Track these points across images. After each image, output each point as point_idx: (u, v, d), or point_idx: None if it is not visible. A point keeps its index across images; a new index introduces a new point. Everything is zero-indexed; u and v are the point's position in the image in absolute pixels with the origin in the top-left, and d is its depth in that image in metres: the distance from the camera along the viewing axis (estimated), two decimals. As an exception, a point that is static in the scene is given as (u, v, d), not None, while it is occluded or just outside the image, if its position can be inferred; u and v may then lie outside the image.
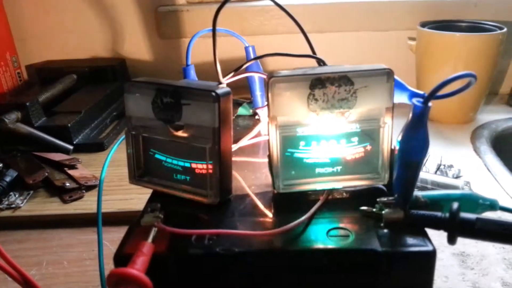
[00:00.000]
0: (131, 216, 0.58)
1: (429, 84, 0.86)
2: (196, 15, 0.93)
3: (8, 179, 0.63)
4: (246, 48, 0.37)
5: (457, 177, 0.67)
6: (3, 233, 0.57)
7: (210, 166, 0.27)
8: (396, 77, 0.28)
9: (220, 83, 0.31)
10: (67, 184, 0.62)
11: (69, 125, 0.74)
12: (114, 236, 0.55)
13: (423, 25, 0.85)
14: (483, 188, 0.63)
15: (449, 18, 0.91)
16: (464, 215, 0.24)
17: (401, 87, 0.28)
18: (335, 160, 0.27)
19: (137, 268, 0.23)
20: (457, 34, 0.80)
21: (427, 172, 0.65)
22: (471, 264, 0.46)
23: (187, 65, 0.34)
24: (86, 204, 0.60)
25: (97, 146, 0.75)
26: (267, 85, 0.26)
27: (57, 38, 0.98)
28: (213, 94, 0.25)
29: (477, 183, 0.63)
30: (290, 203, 0.28)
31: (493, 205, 0.26)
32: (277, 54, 0.34)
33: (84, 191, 0.62)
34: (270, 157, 0.28)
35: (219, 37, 0.35)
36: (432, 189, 0.62)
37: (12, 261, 0.38)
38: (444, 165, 0.69)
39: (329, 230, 0.25)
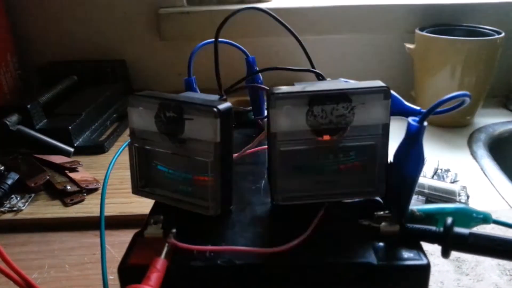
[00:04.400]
0: (132, 219, 0.59)
1: (427, 88, 0.87)
2: (197, 18, 0.93)
3: (9, 181, 0.63)
4: (247, 59, 0.37)
5: (454, 181, 0.67)
6: (5, 236, 0.58)
7: (211, 179, 0.28)
8: (393, 92, 0.29)
9: (222, 96, 0.31)
10: (68, 188, 0.63)
11: (69, 127, 0.75)
12: (115, 240, 0.56)
13: (422, 29, 0.86)
14: (479, 193, 0.63)
15: (448, 22, 0.92)
16: (458, 230, 0.25)
17: (398, 102, 0.29)
18: (333, 172, 0.28)
19: (152, 285, 0.23)
20: (456, 38, 0.81)
21: (424, 177, 0.66)
22: (466, 270, 0.47)
23: (189, 77, 0.35)
24: (87, 208, 0.61)
25: (98, 149, 0.76)
26: (267, 102, 0.27)
27: (58, 39, 0.99)
28: (215, 110, 0.26)
29: (474, 187, 0.64)
30: (289, 214, 0.29)
31: (486, 219, 0.27)
32: (277, 68, 0.35)
33: (85, 194, 0.63)
34: (269, 170, 0.29)
35: (221, 45, 0.35)
36: (429, 194, 0.63)
37: (15, 266, 0.38)
38: (441, 169, 0.70)
39: (329, 243, 0.26)
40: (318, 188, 0.28)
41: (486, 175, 0.69)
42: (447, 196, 0.62)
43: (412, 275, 0.25)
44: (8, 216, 0.59)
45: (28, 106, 0.74)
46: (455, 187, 0.65)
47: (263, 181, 0.33)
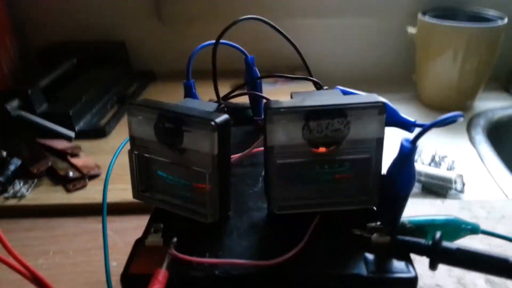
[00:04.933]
0: (133, 206, 0.60)
1: (428, 72, 0.87)
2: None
3: (12, 167, 0.64)
4: (246, 59, 0.37)
5: (450, 169, 0.68)
6: (11, 221, 0.59)
7: (209, 188, 0.28)
8: (388, 103, 0.30)
9: (220, 104, 0.32)
10: (71, 174, 0.64)
11: (70, 112, 0.75)
12: (117, 226, 0.57)
13: (424, 13, 0.85)
14: (476, 181, 0.64)
15: (451, 5, 0.90)
16: (446, 244, 0.26)
17: (394, 113, 0.29)
18: (328, 182, 0.29)
19: None
20: (458, 24, 0.80)
21: (421, 164, 0.67)
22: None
23: (188, 80, 0.35)
24: (89, 194, 0.62)
25: (99, 133, 0.77)
26: (264, 116, 0.27)
27: (58, 21, 0.98)
28: (212, 123, 0.26)
29: (470, 175, 0.65)
30: (285, 221, 0.29)
31: (474, 229, 0.28)
32: (275, 75, 0.35)
33: (87, 180, 0.64)
34: (266, 179, 0.29)
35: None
36: (425, 181, 0.64)
37: (19, 257, 0.40)
38: (439, 156, 0.71)
39: (322, 253, 0.27)
40: (313, 197, 0.29)
41: (483, 162, 0.70)
42: (443, 184, 0.63)
43: (400, 286, 0.26)
44: (12, 202, 0.60)
45: (29, 91, 0.74)
46: (451, 175, 0.66)
47: (260, 184, 0.33)
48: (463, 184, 0.63)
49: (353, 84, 1.02)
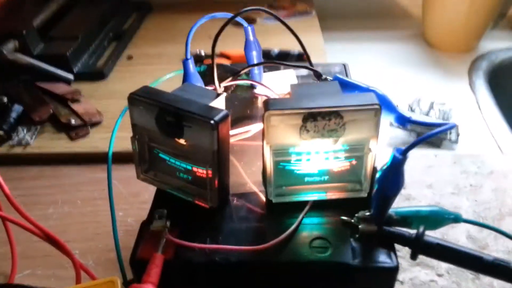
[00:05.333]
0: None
1: (436, 8, 0.83)
2: None
3: (14, 114, 0.65)
4: (245, 29, 0.36)
5: (448, 118, 0.69)
6: (18, 169, 0.61)
7: (209, 178, 0.30)
8: (386, 96, 0.30)
9: (218, 94, 0.32)
10: (73, 121, 0.65)
11: (67, 54, 0.74)
12: (121, 175, 0.58)
13: None
14: (471, 132, 0.65)
15: None
16: (428, 238, 0.28)
17: (390, 108, 0.30)
18: (322, 172, 0.30)
19: (152, 281, 0.27)
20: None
21: (420, 114, 0.68)
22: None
23: (186, 59, 0.35)
24: (92, 142, 0.63)
25: (98, 75, 0.76)
26: (262, 117, 0.28)
27: None
28: (212, 122, 0.27)
29: (466, 125, 0.66)
30: (281, 206, 0.31)
31: (456, 219, 0.29)
32: (275, 63, 0.34)
33: (89, 127, 0.65)
34: (264, 170, 0.31)
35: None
36: (421, 131, 0.65)
37: (31, 218, 0.42)
38: (437, 104, 0.71)
39: (312, 240, 0.29)
40: (309, 186, 0.31)
41: (481, 111, 0.70)
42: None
43: (382, 274, 0.28)
44: (18, 150, 0.62)
45: (24, 32, 0.72)
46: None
47: (258, 163, 0.35)
48: (458, 135, 0.65)
49: (357, 19, 0.99)
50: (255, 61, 0.39)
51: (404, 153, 0.25)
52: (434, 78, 0.79)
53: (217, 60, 0.77)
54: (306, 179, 0.30)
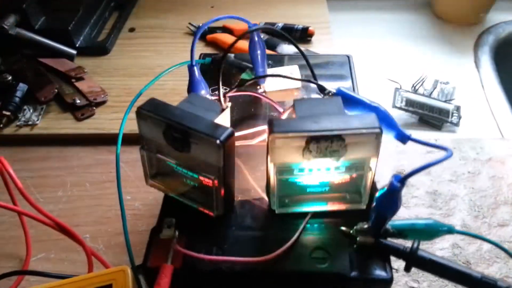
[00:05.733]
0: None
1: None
2: None
3: (19, 94, 0.65)
4: (250, 29, 0.36)
5: (450, 98, 0.69)
6: (25, 149, 0.62)
7: (215, 190, 0.31)
8: (388, 112, 0.30)
9: (223, 109, 0.32)
10: (78, 101, 0.65)
11: (69, 28, 0.74)
12: (128, 157, 0.60)
13: None
14: (473, 115, 0.66)
15: None
16: (422, 253, 0.29)
17: (391, 125, 0.30)
18: (324, 183, 0.31)
19: None
20: None
21: (422, 95, 0.68)
22: (440, 204, 0.53)
23: (192, 65, 0.35)
24: (98, 123, 0.64)
25: (100, 50, 0.76)
26: (267, 140, 0.28)
27: None
28: (218, 142, 0.28)
29: (468, 105, 0.66)
30: (284, 215, 0.33)
31: (450, 230, 0.31)
32: (280, 76, 0.34)
33: (94, 107, 0.65)
34: (268, 182, 0.32)
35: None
36: (423, 114, 0.65)
37: (43, 210, 0.44)
38: (441, 83, 0.71)
39: (312, 250, 0.31)
40: (310, 197, 0.32)
41: (484, 91, 0.70)
42: (439, 116, 0.65)
43: (377, 286, 0.30)
44: (25, 130, 0.63)
45: (24, 6, 0.71)
46: (449, 107, 0.67)
47: (262, 167, 0.36)
48: (459, 118, 0.65)
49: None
50: (259, 61, 0.40)
51: (402, 181, 0.27)
52: (439, 53, 0.79)
53: (219, 36, 0.76)
54: (308, 189, 0.32)
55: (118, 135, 0.43)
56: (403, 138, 0.31)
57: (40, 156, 0.62)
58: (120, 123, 0.64)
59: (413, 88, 0.69)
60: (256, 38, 0.38)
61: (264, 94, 0.39)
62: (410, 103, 0.66)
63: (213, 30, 0.78)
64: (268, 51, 0.67)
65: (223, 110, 0.32)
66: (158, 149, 0.32)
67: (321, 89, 0.34)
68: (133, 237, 0.53)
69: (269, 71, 0.43)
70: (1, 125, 0.62)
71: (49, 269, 0.49)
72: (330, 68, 0.46)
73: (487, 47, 0.80)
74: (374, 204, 0.29)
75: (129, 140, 0.62)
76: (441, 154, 0.60)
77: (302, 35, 0.76)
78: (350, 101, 0.32)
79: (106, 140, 0.63)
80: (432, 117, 0.65)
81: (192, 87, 0.35)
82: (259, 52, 0.39)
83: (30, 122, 0.63)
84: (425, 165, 0.26)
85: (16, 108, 0.64)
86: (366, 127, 0.27)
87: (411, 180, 0.56)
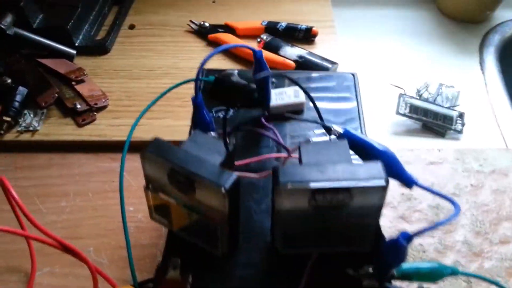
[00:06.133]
0: (144, 145, 0.63)
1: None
2: None
3: (19, 98, 0.64)
4: (255, 55, 0.35)
5: (454, 103, 0.69)
6: (27, 156, 0.62)
7: (220, 231, 0.31)
8: (395, 156, 0.30)
9: (232, 166, 0.32)
10: (78, 106, 0.64)
11: (68, 27, 0.72)
12: (130, 166, 0.58)
13: None
14: (477, 122, 0.65)
15: None
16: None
17: (398, 169, 0.30)
18: (329, 229, 0.31)
19: None
20: None
21: (426, 101, 0.67)
22: (442, 219, 0.53)
23: (197, 99, 0.34)
24: (99, 129, 0.63)
25: (100, 49, 0.75)
26: (273, 191, 0.28)
27: None
28: (223, 190, 0.28)
29: (472, 112, 0.66)
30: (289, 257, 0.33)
31: (454, 272, 0.31)
32: (287, 117, 0.34)
33: (95, 113, 0.65)
34: (272, 223, 0.32)
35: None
36: (426, 121, 0.65)
37: (49, 232, 0.44)
38: (445, 87, 0.71)
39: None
40: (315, 240, 0.32)
41: (488, 96, 0.70)
42: (444, 124, 0.65)
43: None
44: (26, 136, 0.62)
45: (21, 3, 0.70)
46: (453, 113, 0.67)
47: (268, 202, 0.36)
48: (463, 125, 0.65)
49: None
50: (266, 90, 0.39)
51: (408, 240, 0.27)
52: (444, 54, 0.78)
53: (222, 36, 0.75)
54: (313, 232, 0.32)
55: (122, 154, 0.43)
56: (410, 182, 0.31)
57: (42, 164, 0.61)
58: (122, 131, 0.64)
59: (417, 94, 0.69)
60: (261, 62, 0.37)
61: (272, 134, 0.38)
62: (414, 109, 0.66)
63: (215, 29, 0.76)
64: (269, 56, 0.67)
65: (228, 151, 0.32)
66: (162, 188, 0.32)
67: (327, 130, 0.33)
68: (136, 251, 0.54)
69: (273, 92, 0.42)
70: (2, 131, 0.62)
71: (54, 283, 0.49)
72: (334, 89, 0.45)
73: (492, 48, 0.79)
74: (380, 250, 0.29)
75: (131, 147, 0.62)
76: (443, 164, 0.59)
77: (305, 35, 0.74)
78: (357, 142, 0.32)
79: (107, 147, 0.62)
80: (436, 124, 0.65)
81: (196, 123, 0.35)
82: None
83: (31, 128, 0.63)
84: (433, 225, 0.26)
85: (16, 113, 0.63)
86: (372, 177, 0.27)
87: (414, 193, 0.57)
